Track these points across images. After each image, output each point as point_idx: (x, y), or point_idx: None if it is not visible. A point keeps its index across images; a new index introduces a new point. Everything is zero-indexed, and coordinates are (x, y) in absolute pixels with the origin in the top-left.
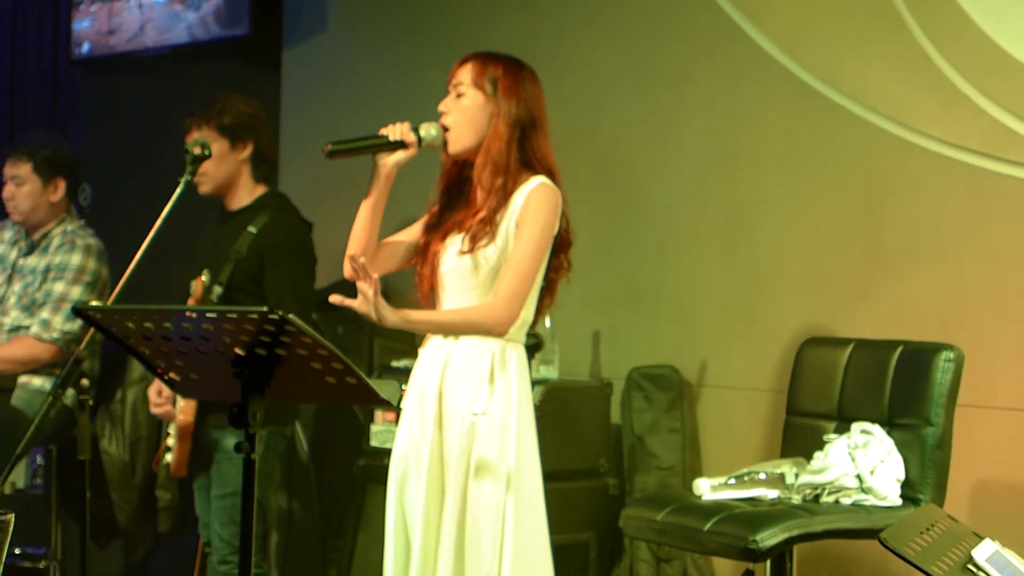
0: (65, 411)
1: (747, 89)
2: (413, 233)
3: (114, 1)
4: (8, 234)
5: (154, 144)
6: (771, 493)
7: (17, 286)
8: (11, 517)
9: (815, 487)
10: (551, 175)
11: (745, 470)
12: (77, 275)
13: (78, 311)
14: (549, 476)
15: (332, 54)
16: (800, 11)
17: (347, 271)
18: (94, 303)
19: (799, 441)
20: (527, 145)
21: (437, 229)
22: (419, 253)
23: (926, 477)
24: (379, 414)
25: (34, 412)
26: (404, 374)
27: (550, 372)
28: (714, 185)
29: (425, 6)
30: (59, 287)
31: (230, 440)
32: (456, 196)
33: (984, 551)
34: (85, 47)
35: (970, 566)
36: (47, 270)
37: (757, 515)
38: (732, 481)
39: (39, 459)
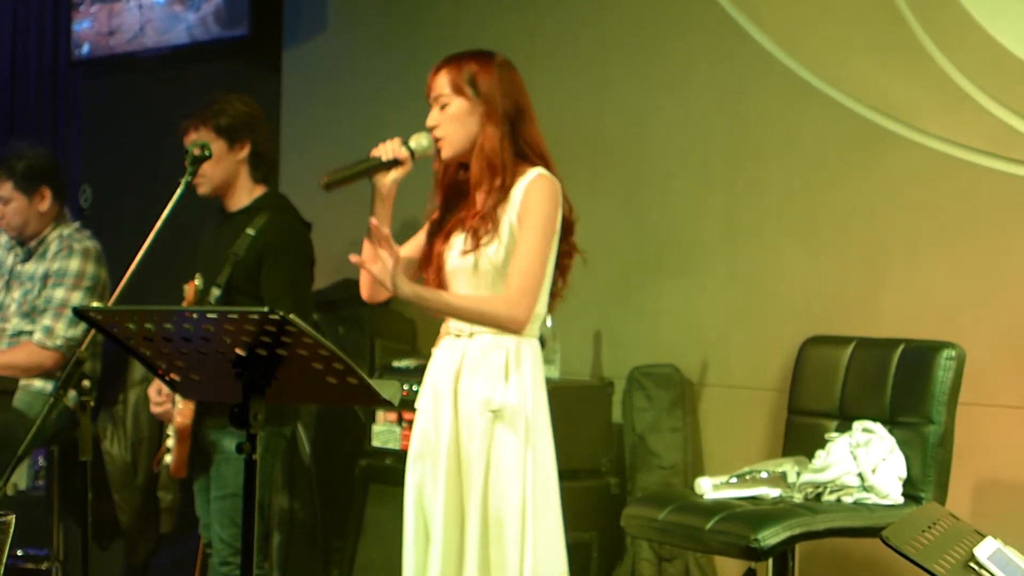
0: (66, 412)
1: (748, 88)
2: (417, 244)
3: (114, 2)
4: (4, 238)
5: (154, 145)
6: (773, 492)
7: (16, 293)
8: (12, 518)
9: (817, 486)
10: (545, 161)
11: (747, 469)
12: (76, 280)
13: (79, 312)
14: None
15: (332, 54)
16: (801, 10)
17: (364, 251)
18: (95, 304)
19: (801, 440)
20: (518, 137)
21: (440, 232)
22: (424, 257)
23: (928, 475)
24: (380, 415)
25: (35, 414)
26: (405, 374)
27: (551, 371)
28: (715, 184)
29: (425, 6)
30: (59, 293)
31: (229, 441)
32: (455, 198)
33: (986, 549)
34: (85, 48)
35: (972, 564)
36: (46, 276)
37: (759, 514)
38: (734, 480)
39: (41, 460)
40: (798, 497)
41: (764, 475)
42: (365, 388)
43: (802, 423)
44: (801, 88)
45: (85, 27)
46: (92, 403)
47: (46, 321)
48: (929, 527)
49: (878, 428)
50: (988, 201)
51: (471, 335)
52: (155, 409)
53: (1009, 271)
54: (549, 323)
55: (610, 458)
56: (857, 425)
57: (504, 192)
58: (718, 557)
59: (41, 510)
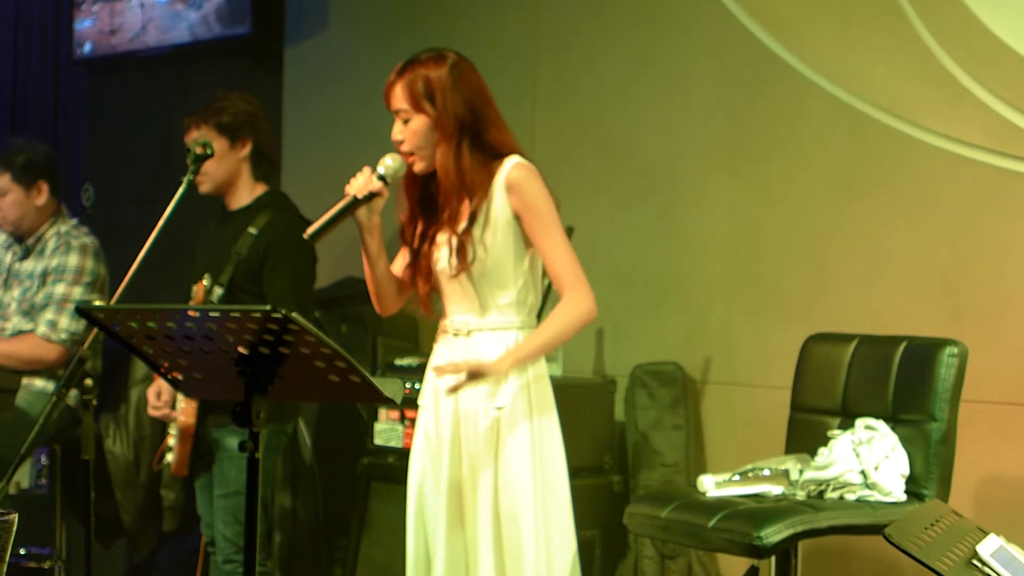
0: (68, 411)
1: (750, 85)
2: (405, 261)
3: (116, 1)
4: (2, 238)
5: (156, 143)
6: (775, 489)
7: (16, 291)
8: (15, 517)
9: (819, 483)
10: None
11: (749, 466)
12: (76, 276)
13: (81, 311)
14: None
15: (333, 52)
16: (802, 6)
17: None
18: (97, 303)
19: (803, 437)
20: (482, 143)
21: (424, 236)
22: (410, 262)
23: (930, 472)
24: (383, 412)
25: (37, 413)
26: (408, 372)
27: (554, 369)
28: (717, 181)
29: (426, 4)
30: (60, 288)
31: (231, 439)
32: (429, 201)
33: (989, 546)
34: (87, 47)
35: (975, 561)
36: (44, 273)
37: (761, 511)
38: (736, 477)
39: (43, 459)
40: (801, 495)
41: (767, 472)
42: (367, 386)
43: (805, 420)
44: (802, 85)
45: (87, 26)
46: (94, 402)
47: (49, 315)
48: (932, 524)
49: (881, 425)
50: (990, 197)
51: (469, 333)
52: (153, 413)
53: (1011, 267)
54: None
55: (613, 456)
56: (860, 422)
57: (480, 198)
58: (721, 555)
59: (44, 509)
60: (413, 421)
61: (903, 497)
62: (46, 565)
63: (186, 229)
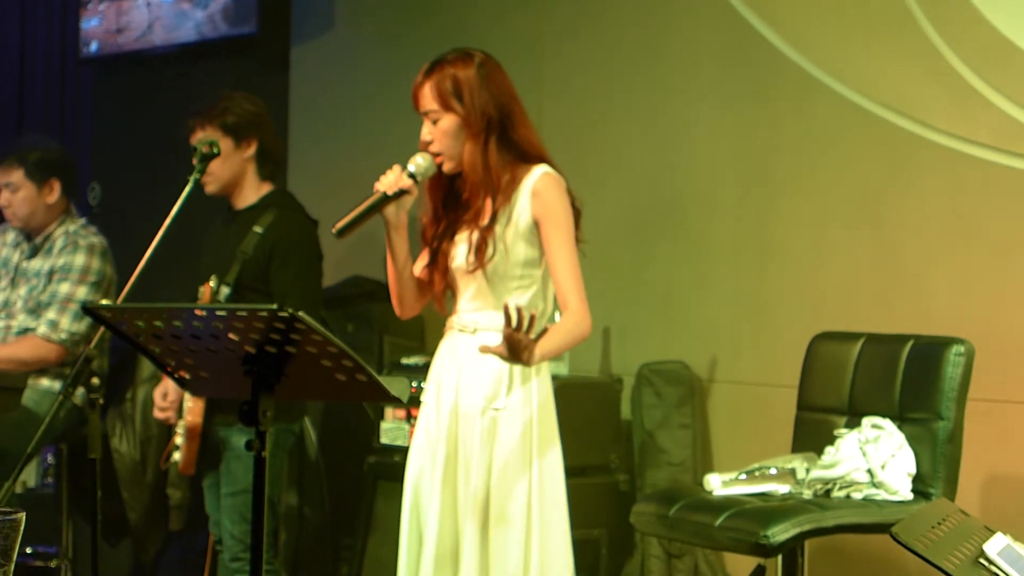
0: (75, 410)
1: (757, 84)
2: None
3: (122, 0)
4: (10, 236)
5: (163, 142)
6: (782, 488)
7: (22, 290)
8: (22, 516)
9: (826, 482)
10: (543, 159)
11: (756, 465)
12: (82, 275)
13: (88, 309)
14: None
15: (340, 52)
16: (810, 6)
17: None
18: (104, 302)
19: (810, 436)
20: (510, 142)
21: (444, 233)
22: (429, 258)
23: (937, 471)
24: (389, 411)
25: (44, 412)
26: (414, 371)
27: (560, 368)
28: (724, 180)
29: (432, 3)
30: (64, 288)
31: (238, 438)
32: (452, 199)
33: (996, 545)
34: (93, 46)
35: (982, 560)
36: (51, 272)
37: (768, 510)
38: (743, 476)
39: (50, 458)
40: (807, 493)
41: (773, 471)
42: (374, 385)
43: (811, 419)
44: (810, 84)
45: (93, 25)
46: (101, 400)
47: (50, 315)
48: (939, 523)
49: (887, 424)
50: (997, 196)
51: (475, 331)
52: (158, 414)
53: (1018, 266)
54: (558, 318)
55: (619, 455)
56: (866, 421)
57: (505, 197)
58: (727, 553)
59: (50, 508)
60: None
61: (910, 496)
62: (53, 564)
63: (192, 228)
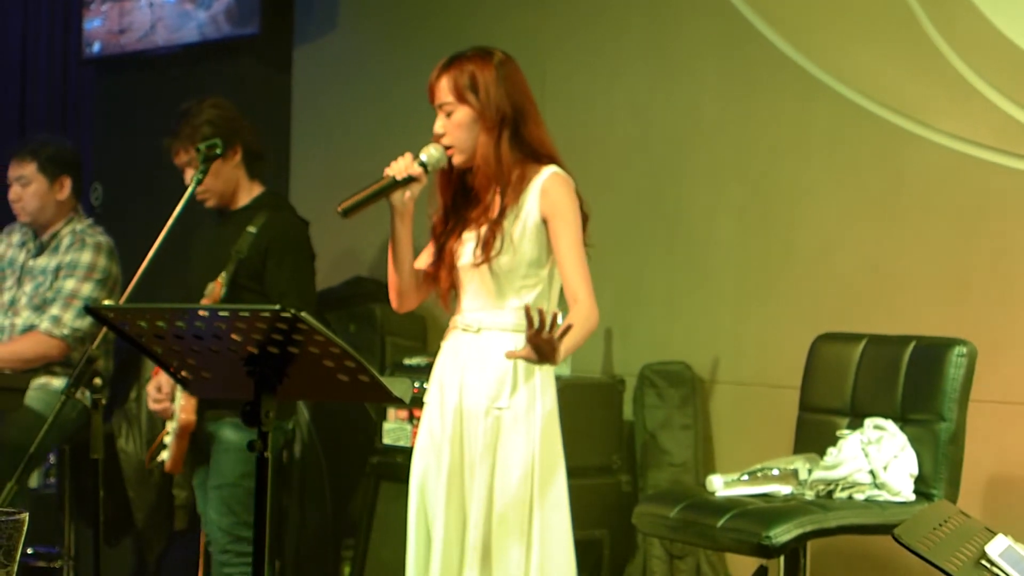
0: (84, 410)
1: (759, 85)
2: (431, 254)
3: (125, 0)
4: (16, 237)
5: (164, 148)
6: (784, 489)
7: (28, 287)
8: (25, 516)
9: (828, 483)
10: (554, 159)
11: (758, 466)
12: (88, 273)
13: (90, 310)
14: None
15: (342, 52)
16: (811, 6)
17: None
18: (107, 302)
19: (812, 437)
20: (522, 139)
21: (451, 231)
22: (435, 255)
23: (939, 472)
24: (392, 412)
25: (47, 411)
26: (416, 372)
27: (562, 369)
28: (726, 180)
29: (435, 3)
30: (70, 284)
31: (226, 431)
32: (462, 197)
33: (997, 546)
34: (96, 46)
35: (983, 561)
36: (58, 269)
37: (770, 511)
38: (745, 477)
39: (52, 458)
40: (810, 494)
41: (775, 472)
42: (376, 385)
43: (813, 420)
44: (811, 84)
45: (96, 25)
46: (104, 401)
47: (54, 311)
48: (940, 524)
49: (889, 425)
50: (999, 197)
51: (479, 330)
52: (154, 406)
53: (1020, 267)
54: (560, 320)
55: (621, 455)
56: (868, 422)
57: (515, 194)
58: (730, 554)
59: (53, 508)
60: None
61: (912, 497)
62: (55, 564)
63: (193, 229)
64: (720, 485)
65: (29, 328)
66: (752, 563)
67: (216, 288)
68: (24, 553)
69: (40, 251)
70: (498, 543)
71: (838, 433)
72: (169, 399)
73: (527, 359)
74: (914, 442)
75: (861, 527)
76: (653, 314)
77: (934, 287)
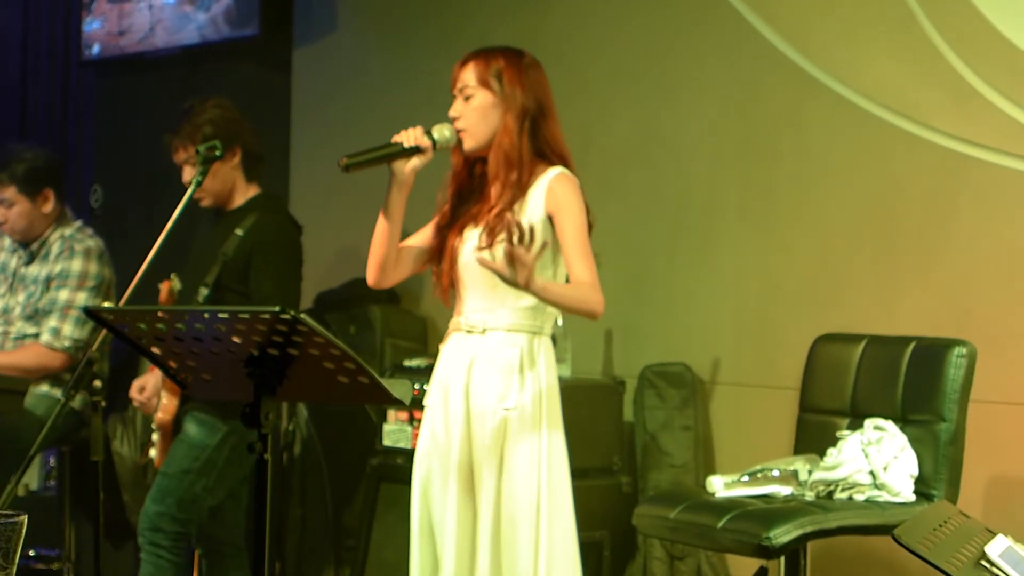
0: (74, 414)
1: (758, 85)
2: (427, 235)
3: (124, 2)
4: (7, 241)
5: (164, 145)
6: (784, 490)
7: (21, 296)
8: (24, 518)
9: (828, 484)
10: (565, 163)
11: (758, 467)
12: (80, 281)
13: (90, 313)
14: None
15: (342, 53)
16: (811, 6)
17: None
18: (105, 304)
19: (812, 438)
20: (539, 135)
21: (453, 226)
22: (436, 250)
23: (939, 473)
24: (392, 413)
25: (43, 415)
26: (416, 373)
27: (562, 370)
28: (726, 181)
29: (434, 5)
30: (64, 295)
31: (189, 424)
32: (468, 192)
33: (997, 547)
34: (95, 48)
35: (983, 562)
36: (48, 279)
37: (771, 512)
38: (745, 478)
39: (52, 461)
40: (810, 495)
41: (776, 473)
42: (376, 387)
43: (813, 421)
44: (812, 85)
45: (95, 27)
46: (103, 403)
47: (52, 322)
48: (940, 525)
49: (889, 426)
50: (999, 198)
51: (483, 331)
52: (136, 404)
53: (1020, 268)
54: (560, 322)
55: (621, 457)
56: (869, 423)
57: (521, 189)
58: (730, 555)
59: (52, 510)
60: (421, 423)
61: (912, 498)
62: (55, 567)
63: (192, 230)
64: (720, 486)
65: (23, 338)
66: (752, 564)
67: (164, 289)
68: (24, 555)
69: (31, 259)
70: (508, 544)
71: (838, 434)
72: (151, 400)
73: (499, 272)
74: (914, 443)
75: (861, 528)
76: (653, 315)
77: (934, 287)
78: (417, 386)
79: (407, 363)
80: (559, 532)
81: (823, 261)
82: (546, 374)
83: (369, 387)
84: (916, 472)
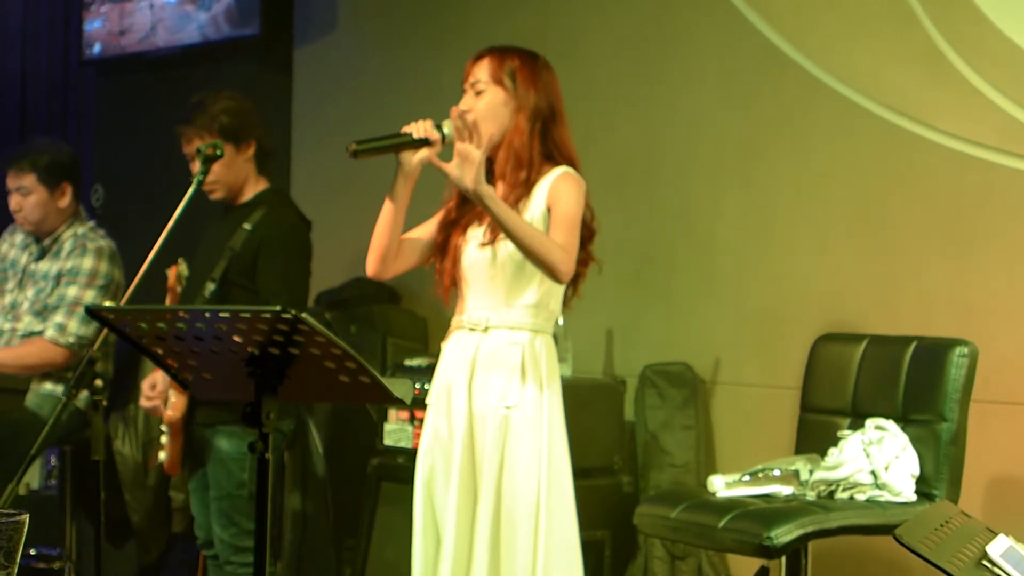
0: (77, 413)
1: (760, 85)
2: (429, 229)
3: (125, 2)
4: (19, 237)
5: (165, 144)
6: (785, 490)
7: (30, 292)
8: (26, 517)
9: (829, 483)
10: (573, 165)
11: (759, 467)
12: (90, 279)
13: (92, 311)
14: None
15: (343, 53)
16: (812, 6)
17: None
18: (107, 303)
19: (813, 437)
20: (548, 137)
21: (456, 224)
22: (439, 248)
23: (940, 473)
24: (393, 413)
25: (46, 414)
26: (417, 373)
27: (563, 370)
28: (727, 181)
29: (435, 5)
30: (72, 291)
31: (219, 440)
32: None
33: (999, 547)
34: (96, 48)
35: (985, 562)
36: (59, 275)
37: (772, 512)
38: (746, 478)
39: (53, 460)
40: (811, 495)
41: (777, 473)
42: (377, 387)
43: (815, 421)
44: (813, 85)
45: (96, 27)
46: (104, 403)
47: (58, 318)
48: (942, 525)
49: (891, 426)
50: (1000, 198)
51: (486, 330)
52: (144, 403)
53: (1021, 267)
54: (561, 321)
55: (622, 456)
56: (870, 423)
57: (527, 188)
58: (731, 555)
59: (54, 509)
60: (423, 421)
61: (913, 497)
62: (56, 566)
63: (194, 229)
64: (721, 486)
65: (31, 334)
66: (753, 564)
67: (172, 274)
68: (25, 554)
69: (42, 255)
70: (507, 542)
71: (839, 434)
72: (161, 398)
73: (445, 170)
74: (915, 442)
75: (862, 528)
76: (654, 315)
77: (935, 287)
78: (418, 385)
79: (408, 362)
80: (559, 531)
81: (824, 260)
82: (548, 372)
83: (370, 386)
84: (917, 472)
